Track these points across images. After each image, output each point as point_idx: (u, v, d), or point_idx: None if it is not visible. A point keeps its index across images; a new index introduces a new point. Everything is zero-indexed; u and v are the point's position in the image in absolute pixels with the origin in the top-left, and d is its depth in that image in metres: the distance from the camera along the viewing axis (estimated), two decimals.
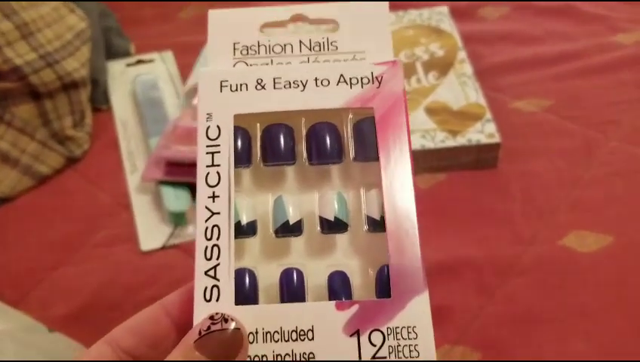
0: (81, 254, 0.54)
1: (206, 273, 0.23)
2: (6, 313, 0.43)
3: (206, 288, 0.23)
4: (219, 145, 0.24)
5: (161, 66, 0.70)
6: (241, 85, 0.25)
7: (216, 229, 0.23)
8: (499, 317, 0.47)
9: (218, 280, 0.23)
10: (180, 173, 0.56)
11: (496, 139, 0.56)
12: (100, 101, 0.66)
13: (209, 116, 0.25)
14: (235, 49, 0.27)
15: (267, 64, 0.26)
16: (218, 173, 0.24)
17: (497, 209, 0.54)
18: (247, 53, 0.27)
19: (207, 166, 0.24)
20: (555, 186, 0.55)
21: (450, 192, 0.55)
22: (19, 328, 0.39)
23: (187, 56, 0.71)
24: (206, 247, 0.23)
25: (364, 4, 0.27)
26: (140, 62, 0.71)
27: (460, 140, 0.56)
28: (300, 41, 0.27)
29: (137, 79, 0.66)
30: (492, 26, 0.73)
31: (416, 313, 0.23)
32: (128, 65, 0.70)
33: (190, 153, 0.56)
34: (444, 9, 0.72)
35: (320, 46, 0.27)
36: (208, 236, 0.23)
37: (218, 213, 0.24)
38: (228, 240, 0.23)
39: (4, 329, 0.39)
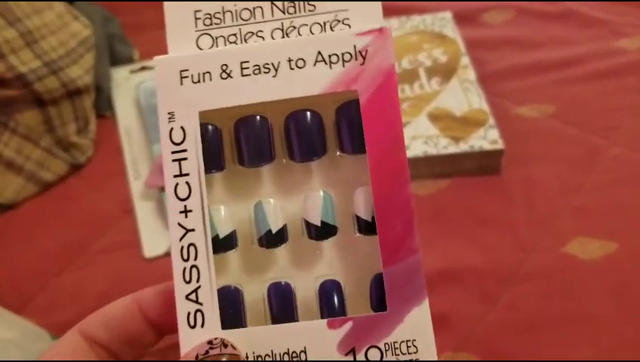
0: (84, 260, 0.54)
1: (187, 297, 0.21)
2: (10, 320, 0.43)
3: (189, 313, 0.21)
4: (185, 151, 0.21)
5: None
6: (204, 75, 0.22)
7: (192, 248, 0.21)
8: (501, 324, 0.47)
9: (201, 304, 0.21)
10: None
11: (500, 145, 0.56)
12: (104, 108, 0.66)
13: (171, 116, 0.22)
14: (196, 19, 0.22)
15: (235, 35, 0.22)
16: (187, 183, 0.21)
17: (500, 215, 0.54)
18: (211, 22, 0.22)
19: (175, 176, 0.21)
20: (558, 193, 0.55)
21: (452, 199, 0.55)
22: (23, 335, 0.40)
23: None
24: (184, 269, 0.21)
25: None
26: (143, 68, 0.71)
27: (463, 147, 0.56)
28: (272, 3, 0.22)
29: (141, 86, 0.67)
30: (495, 31, 0.73)
31: (415, 325, 0.21)
32: (132, 71, 0.70)
33: None
34: (447, 15, 0.72)
35: (295, 7, 0.22)
36: (185, 256, 0.21)
37: (192, 230, 0.21)
38: (207, 260, 0.21)
39: (8, 336, 0.39)
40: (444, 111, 0.60)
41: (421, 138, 0.57)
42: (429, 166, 0.56)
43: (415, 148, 0.56)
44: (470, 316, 0.48)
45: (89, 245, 0.55)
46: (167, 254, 0.53)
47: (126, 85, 0.69)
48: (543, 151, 0.59)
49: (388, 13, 0.76)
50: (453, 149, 0.56)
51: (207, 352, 0.20)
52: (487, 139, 0.56)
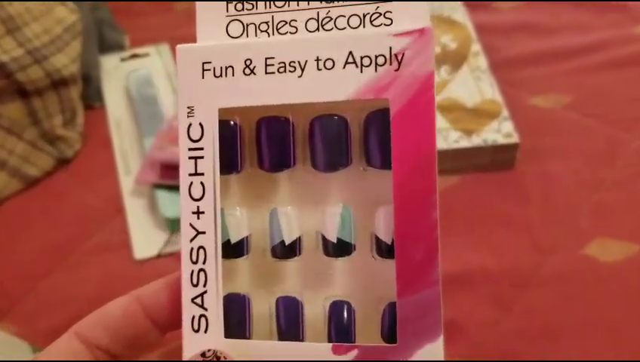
0: (72, 262, 0.51)
1: (193, 300, 0.20)
2: None
3: (194, 317, 0.20)
4: (202, 149, 0.20)
5: (156, 61, 0.67)
6: (226, 69, 0.20)
7: (202, 251, 0.20)
8: (516, 331, 0.44)
9: (206, 309, 0.20)
10: (176, 176, 0.52)
11: (514, 139, 0.52)
12: (93, 98, 0.63)
13: (190, 110, 0.20)
14: (228, 2, 0.21)
15: (267, 23, 0.20)
16: (202, 183, 0.20)
17: (514, 214, 0.50)
18: (243, 8, 0.21)
19: (190, 174, 0.20)
20: (576, 189, 0.52)
21: (463, 196, 0.52)
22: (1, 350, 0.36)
23: None
24: (192, 272, 0.20)
25: None
26: (134, 56, 0.67)
27: (475, 140, 0.52)
28: None
29: (131, 75, 0.63)
30: (507, 16, 0.69)
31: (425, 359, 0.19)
32: (122, 59, 0.67)
33: None
34: None
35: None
36: (194, 259, 0.20)
37: (203, 233, 0.20)
38: (215, 265, 0.20)
39: None
40: (454, 102, 0.56)
41: None
42: (439, 161, 0.52)
43: None
44: (483, 323, 0.44)
45: (77, 246, 0.51)
46: (159, 256, 0.50)
47: (116, 74, 0.65)
48: (559, 145, 0.55)
49: None
50: (464, 143, 0.52)
51: None
52: (501, 132, 0.53)
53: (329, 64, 0.19)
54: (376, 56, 0.19)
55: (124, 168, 0.57)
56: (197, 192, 0.20)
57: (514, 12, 0.70)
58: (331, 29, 0.20)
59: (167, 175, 0.53)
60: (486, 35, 0.64)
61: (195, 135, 0.20)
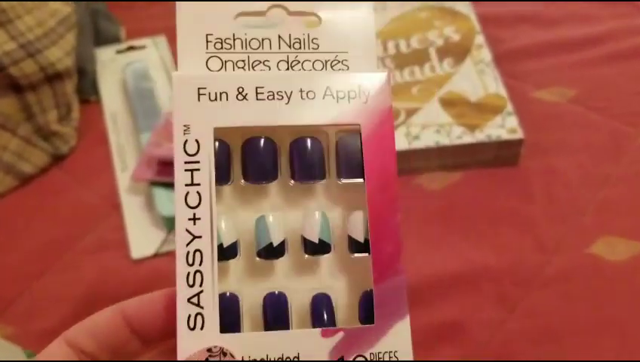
0: (67, 261, 0.50)
1: (189, 300, 0.22)
2: None
3: (189, 316, 0.22)
4: (198, 162, 0.22)
5: (153, 53, 0.65)
6: (220, 94, 0.23)
7: (198, 254, 0.22)
8: (520, 332, 0.43)
9: (202, 307, 0.22)
10: (173, 173, 0.52)
11: (519, 134, 0.51)
12: (88, 92, 0.61)
13: (186, 128, 0.23)
14: (207, 41, 0.24)
15: (243, 61, 0.24)
16: (198, 193, 0.22)
17: (518, 212, 0.49)
18: (222, 47, 0.24)
19: (187, 185, 0.22)
20: (581, 186, 0.51)
21: (466, 193, 0.51)
22: None
23: None
24: (188, 273, 0.22)
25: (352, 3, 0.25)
26: (130, 48, 0.66)
27: (479, 136, 0.51)
28: (279, 37, 0.24)
29: (127, 69, 0.62)
30: (510, 6, 0.68)
31: (397, 338, 0.23)
32: (118, 52, 0.65)
33: None
34: None
35: (300, 43, 0.24)
36: (190, 261, 0.22)
37: (199, 237, 0.22)
38: (211, 266, 0.22)
39: None
40: (457, 95, 0.55)
41: (432, 126, 0.53)
42: (441, 157, 0.52)
43: (426, 138, 0.51)
44: (486, 323, 0.44)
45: (73, 244, 0.51)
46: (156, 255, 0.49)
47: (112, 67, 0.64)
48: (564, 140, 0.54)
49: None
50: (468, 139, 0.51)
51: (206, 360, 0.21)
52: (505, 127, 0.51)
53: (311, 95, 0.24)
54: (349, 91, 0.24)
55: (120, 164, 0.56)
56: (193, 201, 0.22)
57: (517, 2, 0.68)
58: (299, 70, 0.24)
59: (164, 172, 0.52)
60: (489, 26, 0.63)
61: (192, 150, 0.23)
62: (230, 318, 0.23)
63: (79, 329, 0.23)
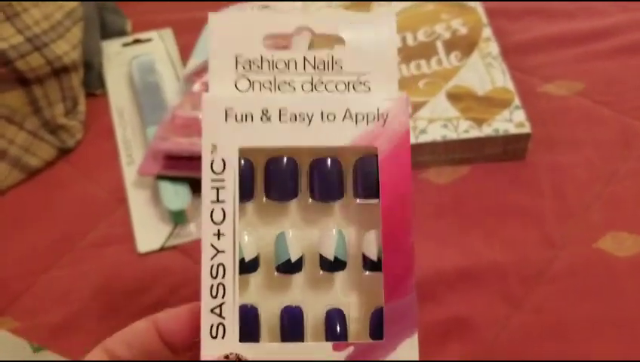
0: (74, 255, 0.50)
1: (212, 311, 0.24)
2: None
3: (212, 325, 0.24)
4: (223, 181, 0.24)
5: (159, 46, 0.65)
6: (246, 115, 0.25)
7: (221, 268, 0.24)
8: (527, 329, 0.43)
9: (223, 318, 0.24)
10: (180, 167, 0.52)
11: (527, 129, 0.51)
12: (95, 85, 0.61)
13: (214, 148, 0.25)
14: (237, 62, 0.26)
15: (270, 82, 0.26)
16: (223, 209, 0.24)
17: (525, 206, 0.49)
18: (250, 68, 0.26)
19: (212, 201, 0.24)
20: (589, 181, 0.50)
21: (473, 188, 0.51)
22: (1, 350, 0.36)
23: (187, 34, 0.65)
24: (212, 286, 0.24)
25: (372, 19, 0.27)
26: (137, 41, 0.66)
27: (486, 130, 0.51)
28: (305, 58, 0.26)
29: (134, 62, 0.62)
30: None
31: (405, 354, 0.24)
32: (124, 45, 0.65)
33: (190, 145, 0.51)
34: None
35: (324, 64, 0.26)
36: (214, 274, 0.24)
37: (223, 252, 0.24)
38: (233, 279, 0.24)
39: None
40: (464, 89, 0.55)
41: (440, 120, 0.52)
42: (448, 151, 0.52)
43: (433, 132, 0.51)
44: (493, 320, 0.44)
45: (79, 239, 0.51)
46: (163, 249, 0.49)
47: (118, 60, 0.64)
48: (571, 134, 0.54)
49: None
50: (475, 133, 0.51)
51: None
52: (512, 121, 0.51)
53: (331, 117, 0.25)
54: (367, 114, 0.25)
55: (126, 158, 0.56)
56: (218, 217, 0.24)
57: None
58: (322, 91, 0.26)
59: (170, 166, 0.52)
60: (496, 18, 0.62)
61: (218, 168, 0.24)
62: (249, 329, 0.24)
63: (116, 339, 0.25)
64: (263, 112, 0.25)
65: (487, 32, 0.60)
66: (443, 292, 0.45)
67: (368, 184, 0.25)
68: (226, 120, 0.25)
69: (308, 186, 0.26)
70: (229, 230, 0.24)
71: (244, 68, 0.26)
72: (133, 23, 0.68)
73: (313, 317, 0.25)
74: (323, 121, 0.25)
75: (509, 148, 0.51)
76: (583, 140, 0.53)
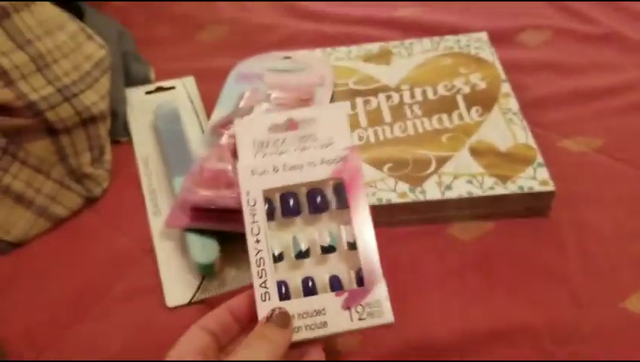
0: (101, 309, 0.50)
1: (260, 285, 0.40)
2: None
3: (261, 294, 0.40)
4: (255, 210, 0.42)
5: (182, 94, 0.66)
6: (264, 171, 0.43)
7: (261, 260, 0.41)
8: None
9: (267, 288, 0.40)
10: (207, 220, 0.52)
11: (551, 187, 0.51)
12: (120, 133, 0.62)
13: (248, 192, 0.42)
14: (254, 144, 0.44)
15: (274, 152, 0.44)
16: (258, 226, 0.41)
17: (550, 264, 0.50)
18: (262, 146, 0.44)
19: (251, 222, 0.41)
20: (613, 239, 0.51)
21: (499, 245, 0.51)
22: None
23: (209, 82, 0.66)
24: (258, 271, 0.40)
25: (332, 107, 0.47)
26: (160, 89, 0.67)
27: (511, 187, 0.52)
28: (294, 135, 0.44)
29: (158, 111, 0.62)
30: (533, 53, 0.69)
31: (378, 293, 0.40)
32: (147, 92, 0.66)
33: (217, 198, 0.52)
34: (482, 35, 0.68)
35: (306, 138, 0.44)
36: (258, 264, 0.40)
37: (261, 250, 0.41)
38: (270, 266, 0.40)
39: None
40: (487, 145, 0.56)
41: (464, 176, 0.53)
42: (473, 207, 0.52)
43: (459, 188, 0.52)
44: None
45: (107, 290, 0.50)
46: (191, 303, 0.49)
47: (141, 108, 0.64)
48: (593, 191, 0.55)
49: (417, 31, 0.72)
50: (500, 190, 0.52)
51: (271, 313, 0.38)
52: (536, 178, 0.52)
53: (314, 164, 0.43)
54: (334, 158, 0.43)
55: (152, 208, 0.56)
56: (256, 231, 0.41)
57: (539, 49, 0.70)
58: (305, 150, 0.44)
59: (198, 218, 0.52)
60: (512, 72, 0.64)
61: (252, 203, 0.42)
62: (284, 294, 0.40)
63: (206, 318, 0.39)
64: (273, 168, 0.43)
65: (506, 87, 0.61)
66: (473, 352, 0.45)
67: (341, 199, 0.42)
68: (252, 175, 0.43)
69: (307, 206, 0.43)
70: (263, 237, 0.41)
71: (259, 147, 0.44)
72: (155, 70, 0.69)
73: (320, 281, 0.41)
74: (309, 167, 0.42)
75: (533, 205, 0.52)
76: (605, 197, 0.54)
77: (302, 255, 0.41)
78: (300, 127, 0.44)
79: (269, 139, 0.44)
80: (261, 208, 0.41)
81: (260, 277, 0.39)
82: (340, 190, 0.42)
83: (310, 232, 0.42)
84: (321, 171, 0.42)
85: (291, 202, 0.42)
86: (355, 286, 0.40)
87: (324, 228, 0.42)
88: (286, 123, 0.44)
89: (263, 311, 0.39)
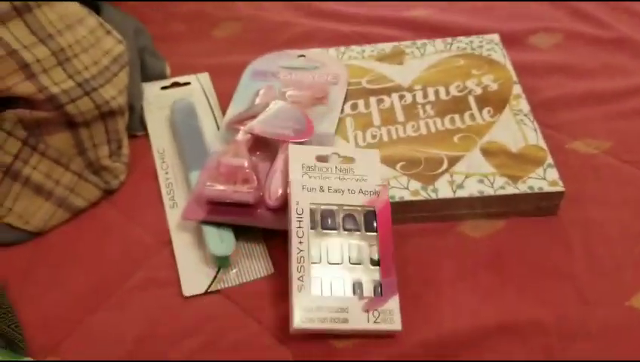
0: (118, 298, 0.51)
1: (298, 278, 0.47)
2: None
3: (298, 286, 0.47)
4: (302, 218, 0.50)
5: (197, 89, 0.67)
6: (312, 188, 0.51)
7: (302, 258, 0.48)
8: None
9: (303, 282, 0.47)
10: (224, 213, 0.53)
11: (560, 187, 0.53)
12: (136, 127, 0.63)
13: (297, 202, 0.51)
14: (302, 167, 0.53)
15: (318, 176, 0.53)
16: (302, 230, 0.49)
17: (560, 263, 0.51)
18: (309, 169, 0.53)
19: (297, 226, 0.49)
20: (619, 239, 0.52)
21: (509, 243, 0.52)
22: None
23: (224, 79, 0.68)
24: (297, 266, 0.48)
25: (368, 152, 0.56)
26: (175, 84, 0.68)
27: (522, 187, 0.53)
28: (335, 167, 0.54)
29: (175, 107, 0.63)
30: (545, 56, 0.70)
31: (392, 304, 0.47)
32: (163, 88, 0.67)
33: (233, 193, 0.53)
34: (495, 37, 0.69)
35: (345, 171, 0.54)
36: (299, 261, 0.48)
37: (303, 250, 0.48)
38: (308, 264, 0.48)
39: None
40: (498, 146, 0.57)
41: (476, 176, 0.54)
42: (484, 206, 0.53)
43: (470, 187, 0.53)
44: None
45: (124, 281, 0.52)
46: (208, 293, 0.50)
47: (157, 103, 0.66)
48: (601, 192, 0.56)
49: (429, 32, 0.73)
50: (511, 190, 0.53)
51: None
52: (546, 179, 0.53)
53: (352, 191, 0.52)
54: (369, 190, 0.52)
55: (169, 201, 0.57)
56: (300, 234, 0.49)
57: (551, 52, 0.71)
58: (345, 180, 0.53)
59: (214, 211, 0.53)
60: (523, 74, 0.65)
61: (299, 212, 0.50)
62: (319, 288, 0.47)
63: None
64: (320, 188, 0.51)
65: (517, 88, 0.62)
66: (483, 348, 0.46)
67: (370, 224, 0.51)
68: (302, 189, 0.51)
69: (342, 224, 0.51)
70: (305, 241, 0.49)
71: (305, 170, 0.53)
72: (170, 66, 0.70)
73: (347, 285, 0.48)
74: (349, 194, 0.52)
75: (543, 204, 0.53)
76: (612, 199, 0.55)
77: (334, 262, 0.49)
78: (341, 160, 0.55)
79: (316, 165, 0.53)
80: (307, 217, 0.49)
81: (299, 272, 0.47)
82: (370, 217, 0.51)
83: (343, 245, 0.49)
84: (358, 198, 0.51)
85: (329, 220, 0.50)
86: (373, 294, 0.47)
87: (354, 245, 0.50)
88: (329, 157, 0.54)
89: (299, 301, 0.46)
